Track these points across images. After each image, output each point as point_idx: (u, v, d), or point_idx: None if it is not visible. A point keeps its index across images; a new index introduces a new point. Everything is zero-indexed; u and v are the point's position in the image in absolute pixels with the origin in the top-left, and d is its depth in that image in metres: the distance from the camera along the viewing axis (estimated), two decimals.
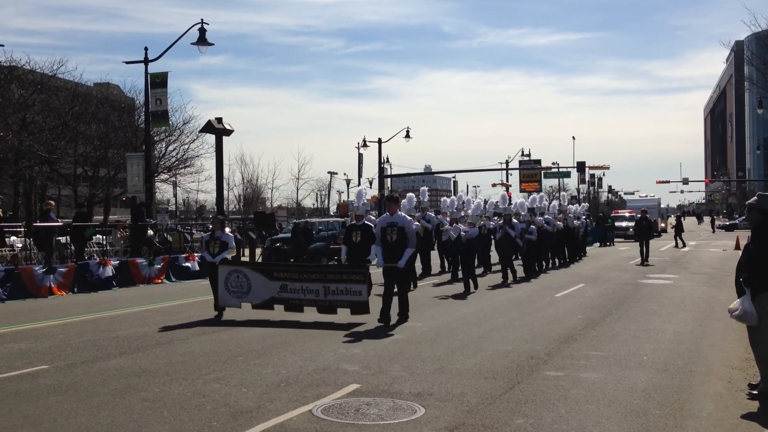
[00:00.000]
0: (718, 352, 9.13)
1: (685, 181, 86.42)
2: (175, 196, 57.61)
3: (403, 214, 11.94)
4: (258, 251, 29.28)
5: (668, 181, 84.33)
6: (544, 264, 22.38)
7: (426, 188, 23.87)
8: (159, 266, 20.40)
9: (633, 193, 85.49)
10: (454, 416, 6.27)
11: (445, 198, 24.04)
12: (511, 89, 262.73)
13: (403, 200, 18.92)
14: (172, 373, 8.03)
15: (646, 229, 25.59)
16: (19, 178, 35.82)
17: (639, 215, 27.74)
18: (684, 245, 35.57)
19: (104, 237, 23.39)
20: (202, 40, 24.30)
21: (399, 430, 5.91)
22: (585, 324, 11.31)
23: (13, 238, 20.16)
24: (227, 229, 13.45)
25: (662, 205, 63.71)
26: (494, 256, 21.41)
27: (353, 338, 10.13)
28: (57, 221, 20.66)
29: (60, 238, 20.03)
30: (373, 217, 15.19)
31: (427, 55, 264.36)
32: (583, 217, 31.37)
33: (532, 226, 20.06)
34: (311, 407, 6.54)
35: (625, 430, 5.93)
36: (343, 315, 11.63)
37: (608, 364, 8.30)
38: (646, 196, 61.72)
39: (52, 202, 23.20)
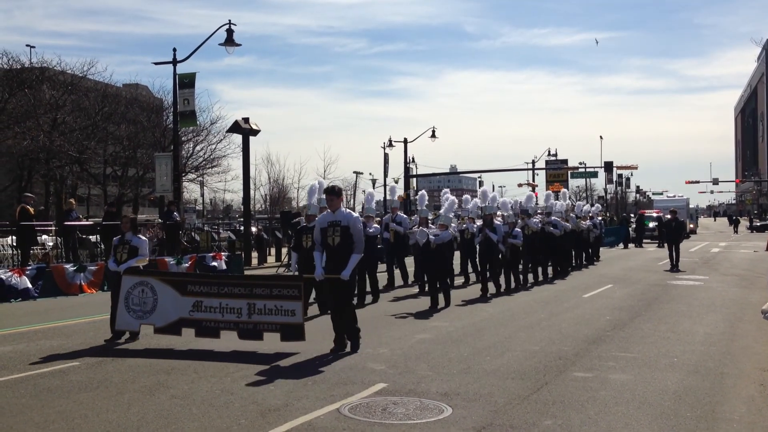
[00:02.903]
0: (750, 355, 9.00)
1: (715, 182, 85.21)
2: (202, 195, 58.18)
3: (348, 210, 9.66)
4: (284, 251, 29.44)
5: (698, 182, 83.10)
6: (541, 272, 18.92)
7: (396, 185, 20.38)
8: (187, 265, 20.57)
9: (661, 194, 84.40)
10: (482, 416, 6.25)
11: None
12: (535, 89, 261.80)
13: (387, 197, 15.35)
14: (201, 371, 8.11)
15: (675, 230, 23.56)
16: (50, 178, 36.45)
17: (668, 215, 26.25)
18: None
19: None
20: (229, 40, 24.49)
21: (426, 430, 5.90)
22: (613, 325, 11.21)
23: (44, 236, 20.47)
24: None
25: (691, 206, 62.83)
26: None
27: (379, 338, 10.14)
28: (79, 220, 20.90)
29: (90, 236, 20.30)
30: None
31: (450, 55, 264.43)
32: (599, 218, 29.25)
33: (516, 230, 16.68)
34: (338, 406, 6.56)
35: None
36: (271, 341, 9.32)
37: (637, 366, 8.22)
38: (674, 196, 60.93)
39: (73, 201, 23.55)
